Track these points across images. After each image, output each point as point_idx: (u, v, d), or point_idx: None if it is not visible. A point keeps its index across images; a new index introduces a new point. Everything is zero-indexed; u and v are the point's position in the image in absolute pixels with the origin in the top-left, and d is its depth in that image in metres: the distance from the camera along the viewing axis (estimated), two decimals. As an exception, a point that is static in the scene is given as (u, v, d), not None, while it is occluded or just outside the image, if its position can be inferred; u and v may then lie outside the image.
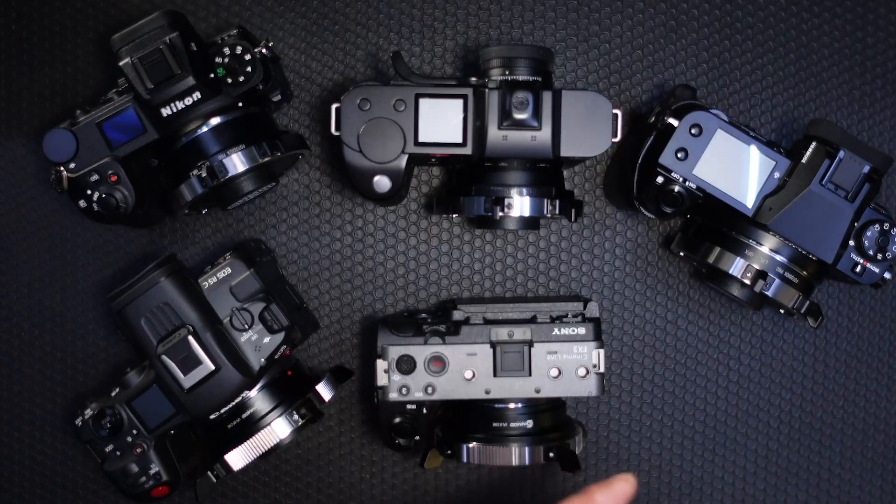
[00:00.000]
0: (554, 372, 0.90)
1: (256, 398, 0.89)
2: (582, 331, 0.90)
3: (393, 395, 0.89)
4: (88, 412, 0.87)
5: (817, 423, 1.01)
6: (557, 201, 0.90)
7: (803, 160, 0.87)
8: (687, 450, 1.01)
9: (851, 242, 0.88)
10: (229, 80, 0.86)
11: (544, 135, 0.88)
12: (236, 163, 0.87)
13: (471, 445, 0.89)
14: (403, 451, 0.93)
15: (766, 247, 0.89)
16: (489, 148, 0.88)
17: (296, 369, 0.93)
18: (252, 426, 0.88)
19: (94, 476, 1.00)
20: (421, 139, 0.88)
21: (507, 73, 0.88)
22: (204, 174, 0.87)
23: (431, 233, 1.01)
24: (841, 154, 0.86)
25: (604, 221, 1.01)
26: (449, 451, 0.90)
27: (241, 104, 0.88)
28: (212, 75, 0.86)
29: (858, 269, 0.89)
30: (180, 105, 0.85)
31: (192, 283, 0.87)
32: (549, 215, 0.91)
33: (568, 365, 0.90)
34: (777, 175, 0.87)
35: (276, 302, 0.88)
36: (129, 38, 0.84)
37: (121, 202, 0.86)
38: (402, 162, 0.88)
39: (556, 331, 0.90)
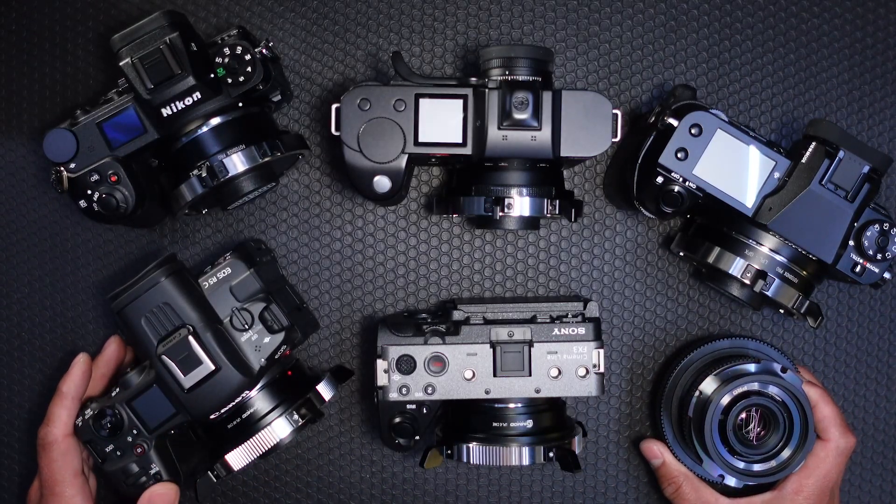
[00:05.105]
0: (554, 372, 0.90)
1: (256, 398, 0.89)
2: (582, 331, 0.90)
3: (393, 395, 0.89)
4: (88, 412, 0.87)
5: (817, 423, 1.01)
6: (557, 201, 0.90)
7: (803, 160, 0.87)
8: (687, 450, 1.01)
9: (851, 242, 0.88)
10: (229, 80, 0.86)
11: (544, 135, 0.88)
12: (236, 163, 0.87)
13: (471, 445, 0.89)
14: (403, 451, 0.93)
15: (766, 247, 0.89)
16: (489, 148, 0.88)
17: (296, 369, 0.93)
18: (252, 426, 0.88)
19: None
20: (421, 139, 0.88)
21: (506, 73, 0.88)
22: (204, 174, 0.87)
23: (431, 233, 1.01)
24: (841, 154, 0.86)
25: (604, 221, 1.01)
26: (449, 451, 0.90)
27: (241, 104, 0.88)
28: (212, 75, 0.86)
29: (858, 269, 0.89)
30: (180, 105, 0.85)
31: (192, 283, 0.87)
32: (549, 215, 0.91)
33: (568, 365, 0.89)
34: (777, 175, 0.87)
35: (276, 302, 0.88)
36: (129, 38, 0.84)
37: (121, 202, 0.86)
38: (402, 162, 0.88)
39: (556, 331, 0.90)
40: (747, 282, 0.89)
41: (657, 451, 0.96)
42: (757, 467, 0.90)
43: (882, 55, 1.01)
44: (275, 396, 0.90)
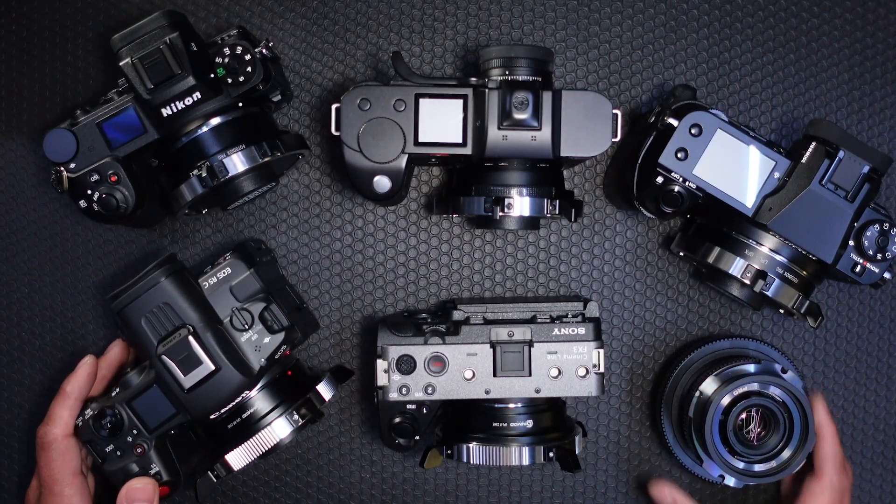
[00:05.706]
0: (554, 372, 0.90)
1: (256, 398, 0.89)
2: (582, 331, 0.90)
3: (393, 395, 0.89)
4: (88, 412, 0.87)
5: (817, 423, 1.01)
6: (557, 201, 0.90)
7: (803, 160, 0.87)
8: (687, 450, 1.01)
9: (851, 242, 0.88)
10: (229, 80, 0.86)
11: (544, 135, 0.88)
12: (236, 163, 0.87)
13: (471, 445, 0.89)
14: (403, 451, 0.93)
15: (766, 247, 0.89)
16: (489, 148, 0.88)
17: (296, 369, 0.93)
18: (252, 426, 0.88)
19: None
20: (421, 139, 0.88)
21: (506, 73, 0.88)
22: (204, 174, 0.87)
23: (431, 233, 1.01)
24: (841, 154, 0.86)
25: (604, 221, 1.01)
26: (449, 451, 0.90)
27: (241, 104, 0.88)
28: (212, 75, 0.86)
29: (858, 269, 0.89)
30: (180, 105, 0.85)
31: (192, 283, 0.87)
32: (549, 215, 0.91)
33: (568, 365, 0.89)
34: (777, 175, 0.87)
35: (276, 302, 0.88)
36: (130, 38, 0.84)
37: (121, 202, 0.86)
38: (402, 162, 0.88)
39: (556, 331, 0.90)
40: (747, 282, 0.89)
41: (668, 495, 0.95)
42: (757, 467, 0.90)
43: (882, 55, 1.01)
44: (275, 396, 0.90)
